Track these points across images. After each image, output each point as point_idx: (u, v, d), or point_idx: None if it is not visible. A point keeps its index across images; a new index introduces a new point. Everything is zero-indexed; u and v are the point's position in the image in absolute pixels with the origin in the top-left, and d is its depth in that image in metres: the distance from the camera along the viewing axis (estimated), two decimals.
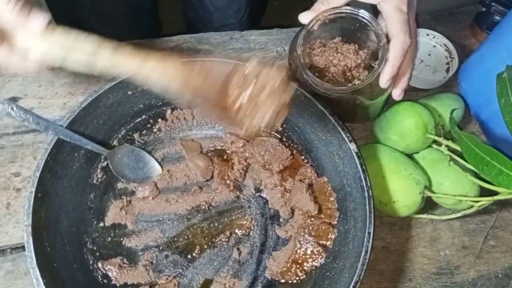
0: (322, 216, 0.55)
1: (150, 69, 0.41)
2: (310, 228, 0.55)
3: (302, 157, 0.60)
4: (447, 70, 0.71)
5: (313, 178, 0.58)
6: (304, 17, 0.51)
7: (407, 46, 0.48)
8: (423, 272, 0.58)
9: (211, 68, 0.42)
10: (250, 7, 0.97)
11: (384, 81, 0.50)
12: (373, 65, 0.54)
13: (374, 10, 0.52)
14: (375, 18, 0.50)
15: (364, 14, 0.50)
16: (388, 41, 0.52)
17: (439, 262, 0.59)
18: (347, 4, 0.51)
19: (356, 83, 0.51)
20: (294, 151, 0.60)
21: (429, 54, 0.73)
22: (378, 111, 0.62)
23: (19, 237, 0.57)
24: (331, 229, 0.54)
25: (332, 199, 0.56)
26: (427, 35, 0.74)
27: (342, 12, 0.51)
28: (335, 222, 0.55)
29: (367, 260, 0.47)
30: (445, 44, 0.73)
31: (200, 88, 0.41)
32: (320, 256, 0.53)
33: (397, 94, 0.54)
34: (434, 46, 0.74)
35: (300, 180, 0.58)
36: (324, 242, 0.54)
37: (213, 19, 0.99)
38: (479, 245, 0.60)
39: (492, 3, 0.73)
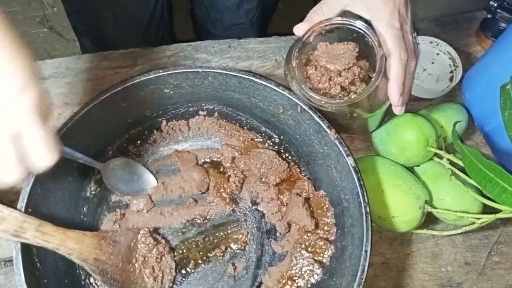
0: (319, 231, 0.54)
1: (67, 250, 0.47)
2: (307, 243, 0.54)
3: (299, 170, 0.59)
4: (451, 79, 0.69)
5: (310, 191, 0.57)
6: (299, 29, 0.50)
7: (405, 62, 0.47)
8: None
9: (115, 241, 0.51)
10: (261, 6, 0.95)
11: (395, 102, 0.50)
12: (371, 76, 0.52)
13: None
14: (372, 30, 0.49)
15: (360, 25, 0.49)
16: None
17: (441, 279, 0.57)
18: (343, 15, 0.50)
19: (352, 96, 0.50)
20: (291, 164, 0.59)
21: (432, 62, 0.71)
22: (378, 123, 0.61)
23: (12, 249, 0.56)
24: (328, 245, 0.53)
25: (329, 213, 0.55)
26: (431, 42, 0.72)
27: (339, 23, 0.50)
28: (332, 238, 0.53)
29: (363, 280, 0.45)
30: (449, 52, 0.71)
31: (107, 260, 0.50)
32: (316, 274, 0.52)
33: (398, 109, 0.53)
34: (438, 54, 0.72)
35: (297, 194, 0.56)
36: (321, 259, 0.53)
37: (224, 19, 0.97)
38: (482, 261, 0.58)
39: (498, 10, 0.72)
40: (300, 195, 0.56)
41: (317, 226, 0.54)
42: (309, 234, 0.54)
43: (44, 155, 0.36)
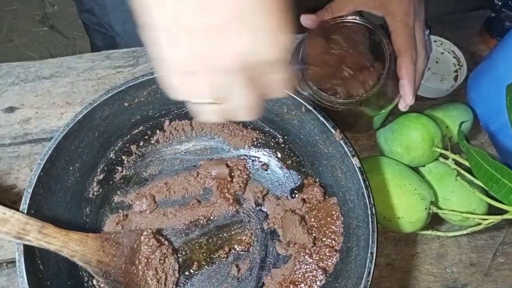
0: (325, 239, 0.53)
1: (70, 252, 0.47)
2: (312, 250, 0.53)
3: (303, 170, 0.58)
4: (455, 78, 0.69)
5: (319, 197, 0.55)
6: (306, 19, 0.50)
7: (415, 61, 0.46)
8: None
9: (118, 243, 0.51)
10: None
11: (409, 101, 0.49)
12: (375, 71, 0.52)
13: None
14: (379, 27, 0.49)
15: (368, 23, 0.48)
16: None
17: (446, 280, 0.57)
18: (354, 14, 0.50)
19: (364, 95, 0.49)
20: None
21: (437, 61, 0.71)
22: (383, 120, 0.60)
23: (14, 251, 0.55)
24: (333, 253, 0.52)
25: (338, 222, 0.53)
26: (434, 41, 0.71)
27: (344, 21, 0.50)
28: (338, 248, 0.52)
29: (369, 283, 0.45)
30: (453, 51, 0.71)
31: (110, 262, 0.50)
32: (319, 280, 0.51)
33: (403, 106, 0.52)
34: (442, 53, 0.71)
35: (292, 211, 0.55)
36: (325, 266, 0.52)
37: None
38: (487, 262, 0.58)
39: (503, 9, 0.71)
40: (295, 213, 0.55)
41: (314, 242, 0.53)
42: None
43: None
